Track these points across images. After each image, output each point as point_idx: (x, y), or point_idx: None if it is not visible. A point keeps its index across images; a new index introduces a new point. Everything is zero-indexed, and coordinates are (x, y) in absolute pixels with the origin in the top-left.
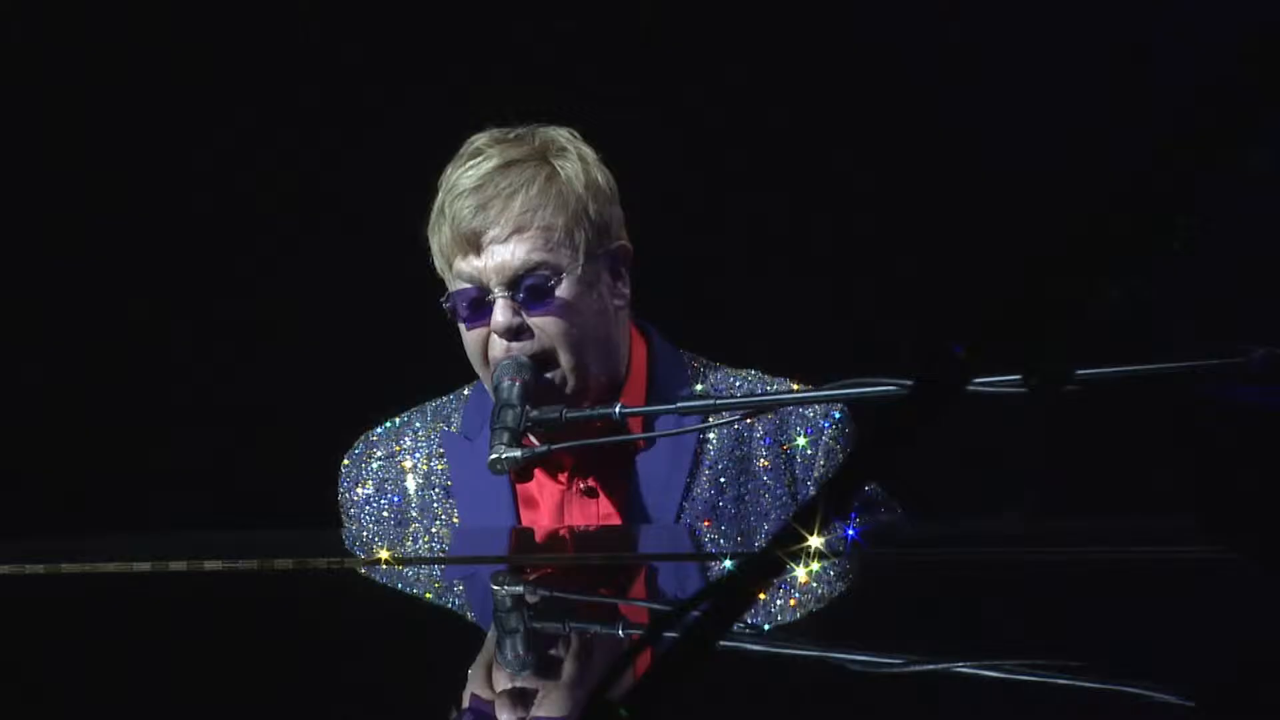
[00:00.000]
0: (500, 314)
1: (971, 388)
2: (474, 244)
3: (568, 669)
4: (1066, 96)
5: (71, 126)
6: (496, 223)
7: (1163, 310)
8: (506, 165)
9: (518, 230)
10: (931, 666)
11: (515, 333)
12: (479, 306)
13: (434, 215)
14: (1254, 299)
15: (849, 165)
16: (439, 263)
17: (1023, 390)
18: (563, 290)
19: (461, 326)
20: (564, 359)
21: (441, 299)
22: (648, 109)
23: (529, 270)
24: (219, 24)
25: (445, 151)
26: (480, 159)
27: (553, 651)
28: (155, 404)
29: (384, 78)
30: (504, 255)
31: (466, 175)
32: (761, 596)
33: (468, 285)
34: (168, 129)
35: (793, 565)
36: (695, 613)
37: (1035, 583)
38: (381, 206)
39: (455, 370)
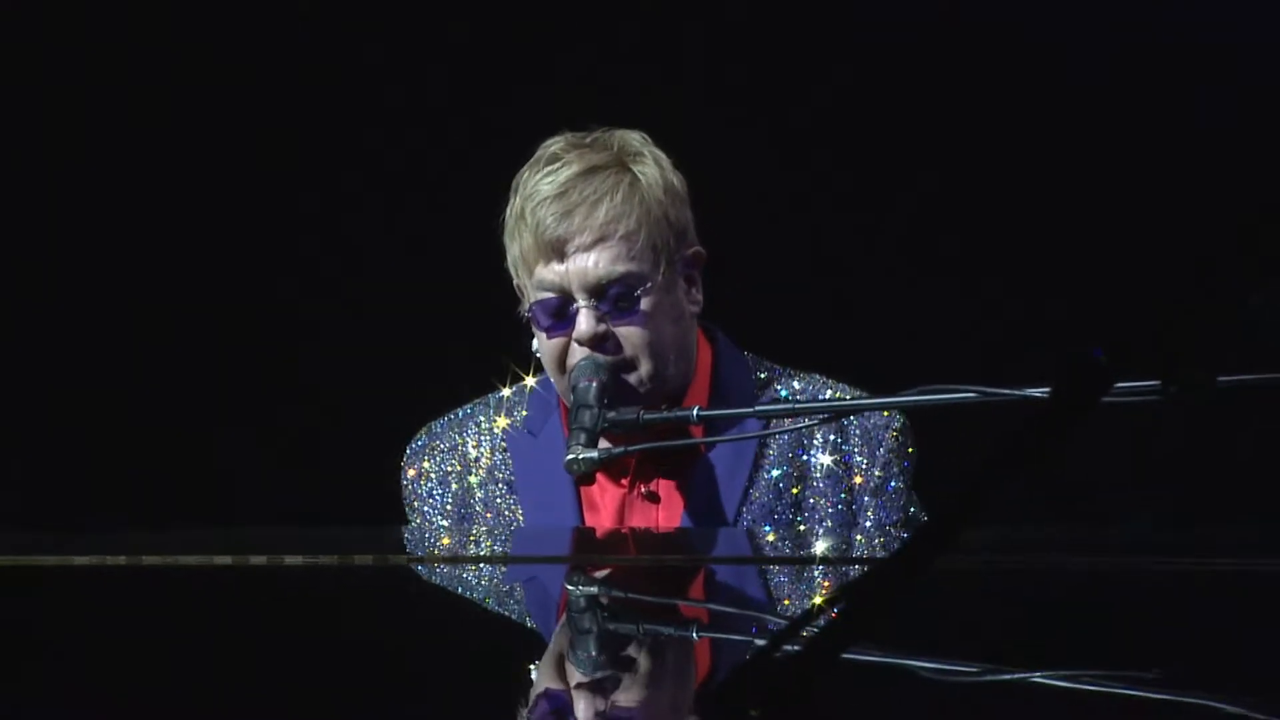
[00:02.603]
0: (584, 323)
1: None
2: (557, 251)
3: (657, 674)
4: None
5: (158, 128)
6: (581, 230)
7: None
8: (588, 171)
9: (602, 239)
10: (1029, 675)
11: (598, 342)
12: (560, 315)
13: (511, 221)
14: None
15: (941, 161)
16: (516, 269)
17: (1160, 398)
18: (646, 300)
19: (540, 335)
20: (644, 367)
21: (520, 308)
22: (715, 109)
23: (613, 280)
24: (306, 32)
25: (490, 148)
26: (559, 165)
27: (638, 655)
28: (208, 402)
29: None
30: (588, 263)
31: (546, 182)
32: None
33: (549, 293)
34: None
35: (929, 572)
36: (826, 618)
37: (1148, 592)
38: (440, 202)
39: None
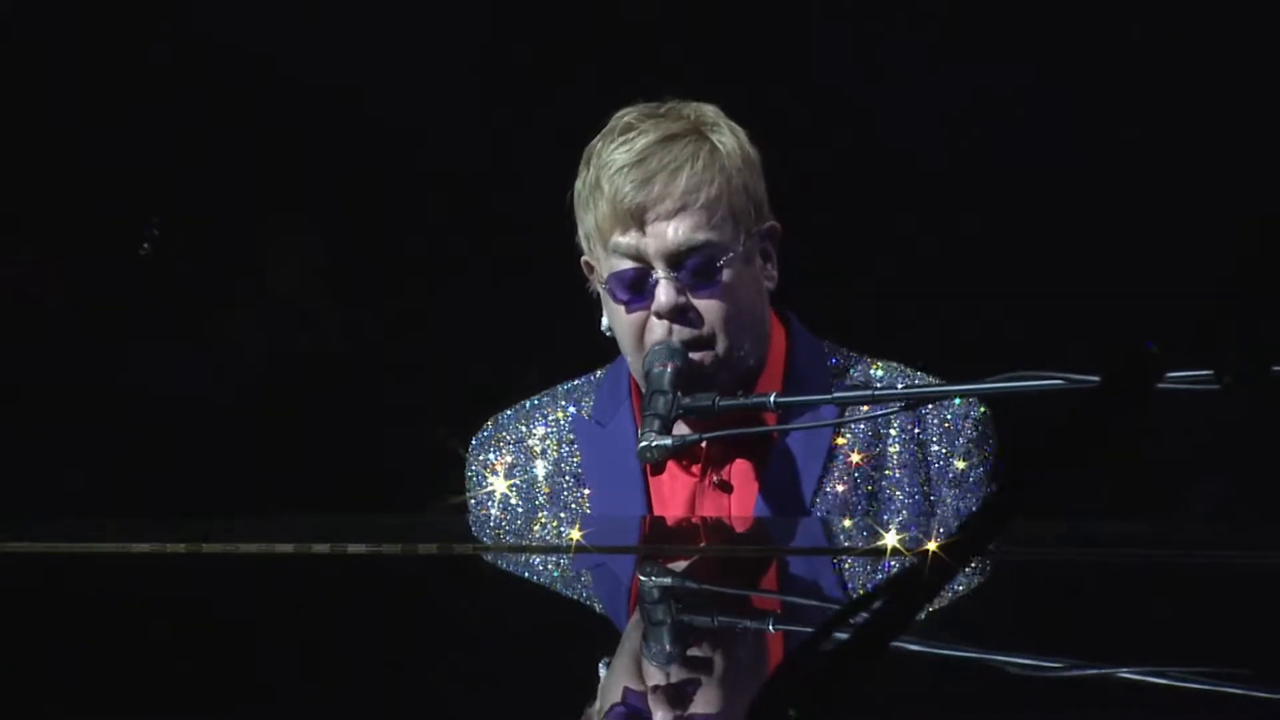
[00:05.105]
0: (664, 294)
1: (1162, 385)
2: (636, 219)
3: (724, 665)
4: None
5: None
6: (661, 198)
7: None
8: (666, 139)
9: (683, 207)
10: (1095, 670)
11: (679, 314)
12: (638, 288)
13: (585, 190)
14: None
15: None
16: (590, 240)
17: (1215, 388)
18: (727, 271)
19: (618, 309)
20: (720, 343)
21: (595, 279)
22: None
23: (694, 248)
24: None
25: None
26: (634, 134)
27: (706, 647)
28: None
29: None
30: (668, 232)
31: (622, 150)
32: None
33: (627, 263)
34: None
35: (971, 564)
36: (868, 611)
37: (1207, 586)
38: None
39: (585, 355)
